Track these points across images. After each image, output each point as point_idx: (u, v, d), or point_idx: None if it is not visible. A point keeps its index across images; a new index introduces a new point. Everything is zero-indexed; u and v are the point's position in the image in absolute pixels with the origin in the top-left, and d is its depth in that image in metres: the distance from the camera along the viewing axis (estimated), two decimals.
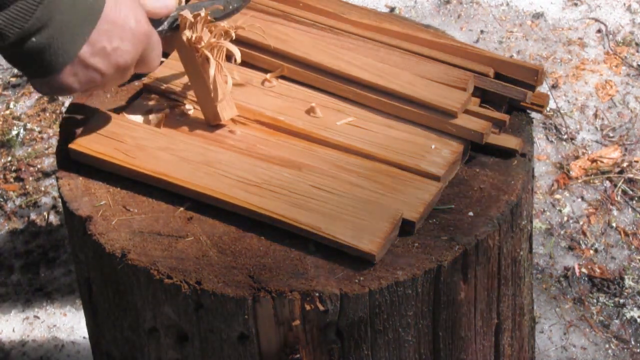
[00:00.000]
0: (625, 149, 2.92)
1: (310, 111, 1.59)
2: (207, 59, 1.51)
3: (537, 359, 2.43)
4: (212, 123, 1.57)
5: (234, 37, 1.52)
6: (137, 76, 1.68)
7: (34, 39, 1.29)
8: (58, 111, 3.10)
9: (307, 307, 1.36)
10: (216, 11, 1.54)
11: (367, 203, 1.44)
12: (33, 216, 2.81)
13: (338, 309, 1.37)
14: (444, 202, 1.49)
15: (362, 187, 1.47)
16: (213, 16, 1.53)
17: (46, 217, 2.80)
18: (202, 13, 1.50)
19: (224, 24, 1.53)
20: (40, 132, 3.05)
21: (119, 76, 1.42)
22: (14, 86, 3.24)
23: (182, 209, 1.48)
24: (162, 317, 1.44)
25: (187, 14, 1.50)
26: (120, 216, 1.47)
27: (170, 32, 1.51)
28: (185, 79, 1.63)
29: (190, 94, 1.61)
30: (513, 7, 3.39)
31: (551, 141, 2.95)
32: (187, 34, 1.50)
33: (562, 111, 3.02)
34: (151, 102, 1.61)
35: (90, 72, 1.36)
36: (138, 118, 1.58)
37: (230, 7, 1.57)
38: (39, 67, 1.33)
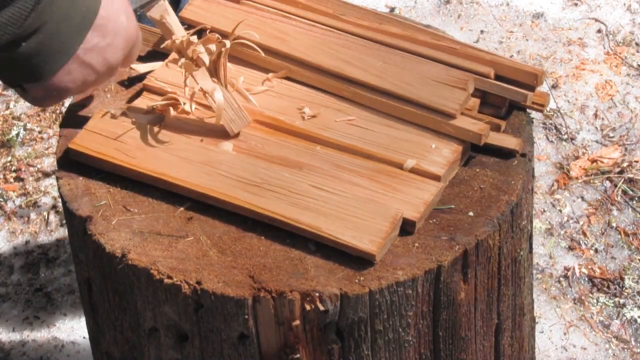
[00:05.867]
0: (625, 149, 2.92)
1: (300, 111, 1.59)
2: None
3: (537, 359, 2.43)
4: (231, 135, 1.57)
5: (228, 45, 1.53)
6: (138, 77, 1.68)
7: (24, 44, 1.28)
8: (58, 111, 3.10)
9: (307, 307, 1.36)
10: None
11: (367, 203, 1.44)
12: (33, 216, 2.81)
13: (338, 309, 1.37)
14: (444, 202, 1.49)
15: (363, 187, 1.47)
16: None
17: (46, 217, 2.80)
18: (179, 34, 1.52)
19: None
20: (40, 132, 3.05)
21: (109, 73, 1.41)
22: None
23: (182, 209, 1.48)
24: (162, 317, 1.44)
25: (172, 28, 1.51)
26: (120, 216, 1.47)
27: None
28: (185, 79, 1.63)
29: (190, 94, 1.61)
30: (513, 7, 3.39)
31: (551, 141, 2.95)
32: (180, 61, 1.52)
33: (562, 111, 3.02)
34: (151, 102, 1.61)
35: (84, 70, 1.35)
36: (138, 118, 1.58)
37: None
38: (28, 72, 1.32)
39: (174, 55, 1.69)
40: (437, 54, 1.66)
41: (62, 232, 2.76)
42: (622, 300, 2.55)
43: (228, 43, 1.53)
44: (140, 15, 1.63)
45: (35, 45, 1.29)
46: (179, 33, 1.55)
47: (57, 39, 1.30)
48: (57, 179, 1.53)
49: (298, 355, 1.40)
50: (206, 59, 1.52)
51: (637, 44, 3.26)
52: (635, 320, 2.51)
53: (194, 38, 1.54)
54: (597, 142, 2.94)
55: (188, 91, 1.56)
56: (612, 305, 2.54)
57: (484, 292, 1.50)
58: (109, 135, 1.54)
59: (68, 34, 1.30)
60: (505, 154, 1.55)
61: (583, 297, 2.56)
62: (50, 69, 1.32)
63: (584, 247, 2.68)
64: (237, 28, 1.58)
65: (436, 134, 1.56)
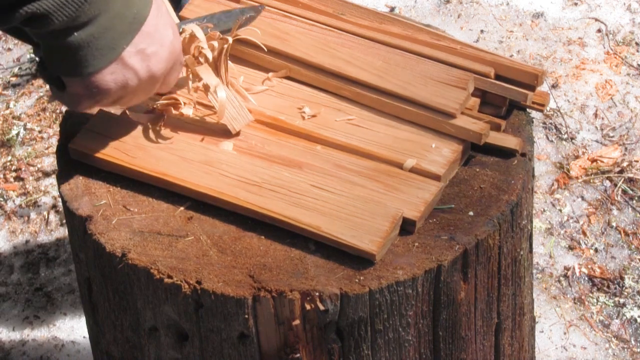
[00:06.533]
0: (625, 149, 2.92)
1: (301, 110, 1.60)
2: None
3: (537, 359, 2.43)
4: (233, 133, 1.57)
5: (230, 42, 1.54)
6: None
7: (75, 34, 1.30)
8: (58, 111, 3.10)
9: (307, 307, 1.36)
10: (226, 22, 1.58)
11: (367, 202, 1.44)
12: (33, 216, 2.81)
13: (338, 308, 1.37)
14: (444, 202, 1.49)
15: (363, 187, 1.47)
16: (223, 28, 1.56)
17: (46, 216, 2.80)
18: (198, 32, 1.52)
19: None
20: (40, 132, 3.05)
21: (150, 85, 1.42)
22: (14, 86, 3.24)
23: (182, 208, 1.48)
24: (162, 316, 1.44)
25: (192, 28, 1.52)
26: (121, 216, 1.47)
27: None
28: (185, 79, 1.63)
29: (194, 88, 1.61)
30: (513, 7, 3.39)
31: (551, 141, 2.95)
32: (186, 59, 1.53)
33: (562, 111, 3.02)
34: (151, 102, 1.61)
35: (127, 73, 1.36)
36: (138, 118, 1.58)
37: (244, 17, 1.61)
38: (73, 64, 1.33)
39: None
40: (437, 53, 1.65)
41: (62, 232, 2.76)
42: (622, 300, 2.55)
43: (230, 39, 1.53)
44: None
45: (86, 37, 1.30)
46: None
47: (108, 35, 1.32)
48: (57, 178, 1.53)
49: (298, 355, 1.40)
50: (209, 54, 1.52)
51: (637, 43, 3.26)
52: (635, 320, 2.51)
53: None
54: (597, 141, 2.94)
55: (192, 85, 1.55)
56: (612, 304, 2.54)
57: (484, 291, 1.50)
58: (109, 135, 1.54)
59: (118, 32, 1.32)
60: (505, 153, 1.55)
61: (583, 297, 2.56)
62: (96, 64, 1.33)
63: (584, 246, 2.68)
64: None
65: (436, 134, 1.56)
